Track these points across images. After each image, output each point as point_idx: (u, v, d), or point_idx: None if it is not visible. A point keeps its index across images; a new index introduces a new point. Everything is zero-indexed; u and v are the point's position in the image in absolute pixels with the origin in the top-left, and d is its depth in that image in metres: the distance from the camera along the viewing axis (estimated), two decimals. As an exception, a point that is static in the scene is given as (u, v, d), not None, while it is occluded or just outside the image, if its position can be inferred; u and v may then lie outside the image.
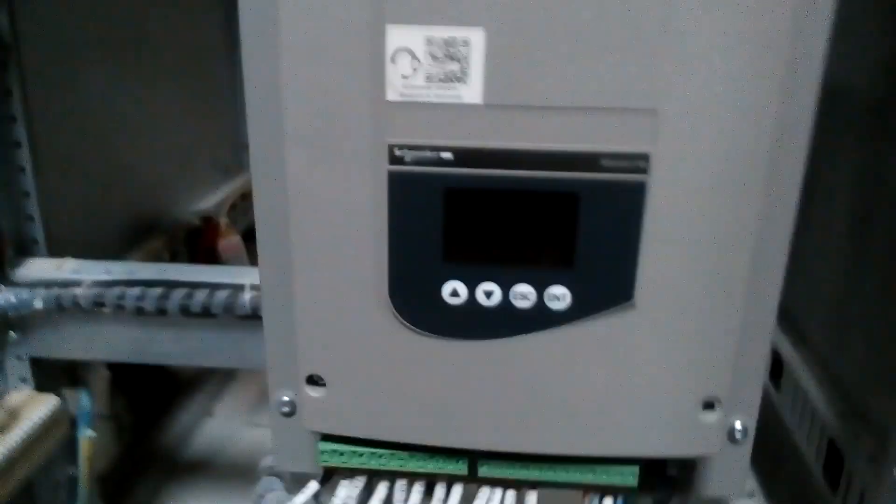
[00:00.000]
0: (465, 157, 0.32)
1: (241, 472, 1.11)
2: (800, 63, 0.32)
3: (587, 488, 0.39)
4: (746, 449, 0.41)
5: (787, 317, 0.65)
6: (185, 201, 1.14)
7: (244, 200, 1.29)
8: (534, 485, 0.40)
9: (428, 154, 0.33)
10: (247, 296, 0.67)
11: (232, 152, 1.33)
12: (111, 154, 0.94)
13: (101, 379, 0.94)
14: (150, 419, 1.19)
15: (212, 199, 1.19)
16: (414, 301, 0.35)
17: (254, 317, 0.68)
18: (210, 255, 1.10)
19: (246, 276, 0.70)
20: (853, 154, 0.58)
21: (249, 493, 1.14)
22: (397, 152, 0.33)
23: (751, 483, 0.63)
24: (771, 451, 0.63)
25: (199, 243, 1.10)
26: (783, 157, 0.34)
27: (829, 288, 0.61)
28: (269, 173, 0.36)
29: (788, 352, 0.63)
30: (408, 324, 0.35)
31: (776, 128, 0.32)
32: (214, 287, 0.68)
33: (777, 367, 0.64)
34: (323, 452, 0.39)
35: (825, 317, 0.62)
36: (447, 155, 0.32)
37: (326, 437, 0.39)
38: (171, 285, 0.68)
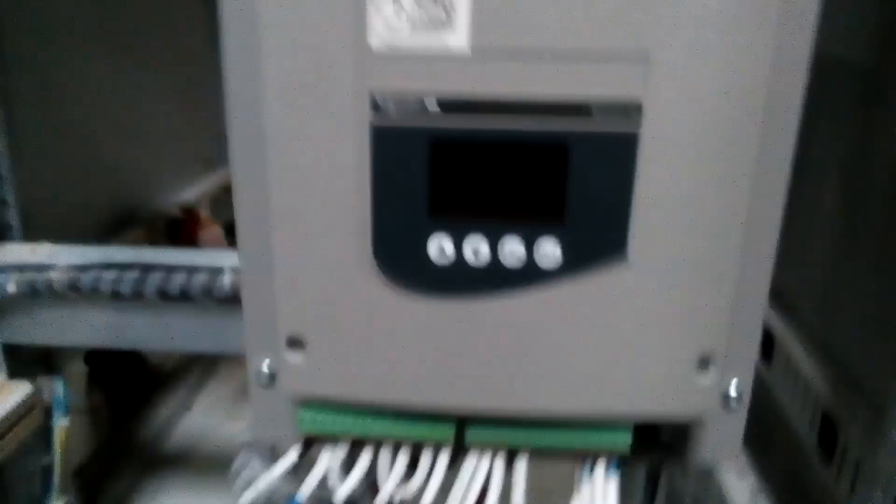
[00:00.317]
0: (451, 106, 0.31)
1: (220, 465, 1.09)
2: (793, 8, 0.31)
3: (578, 454, 0.38)
4: (741, 414, 0.40)
5: (778, 294, 0.65)
6: (166, 193, 1.12)
7: (226, 193, 1.28)
8: (523, 452, 0.39)
9: (412, 104, 0.31)
10: (226, 278, 0.66)
11: (213, 145, 1.31)
12: (91, 142, 0.92)
13: (77, 373, 0.92)
14: (128, 413, 1.17)
15: (193, 191, 1.17)
16: (399, 259, 0.34)
17: (233, 300, 0.67)
18: (191, 247, 1.09)
19: (225, 258, 0.68)
20: (843, 127, 0.58)
21: (228, 487, 1.12)
22: (381, 103, 0.32)
23: (742, 461, 0.62)
24: (762, 428, 0.62)
25: (180, 234, 1.08)
26: (778, 107, 0.33)
27: (820, 263, 0.61)
28: (245, 128, 0.34)
29: (779, 329, 0.62)
30: (392, 283, 0.34)
31: (771, 76, 0.32)
32: (192, 270, 0.67)
33: (768, 346, 0.64)
34: (303, 419, 0.38)
35: (816, 293, 0.61)
36: (432, 105, 0.31)
37: (307, 404, 0.38)
38: (147, 268, 0.67)
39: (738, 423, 0.41)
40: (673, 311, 0.34)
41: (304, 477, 0.40)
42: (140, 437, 1.15)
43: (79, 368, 0.93)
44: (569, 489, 0.39)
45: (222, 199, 1.27)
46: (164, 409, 1.20)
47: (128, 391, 1.18)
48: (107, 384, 1.12)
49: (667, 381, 0.36)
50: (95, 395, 1.09)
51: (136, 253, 0.71)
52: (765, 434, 0.62)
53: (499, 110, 0.31)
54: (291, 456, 0.38)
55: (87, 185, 0.93)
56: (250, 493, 0.38)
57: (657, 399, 0.36)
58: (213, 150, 1.31)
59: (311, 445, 0.39)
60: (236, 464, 0.43)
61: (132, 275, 0.66)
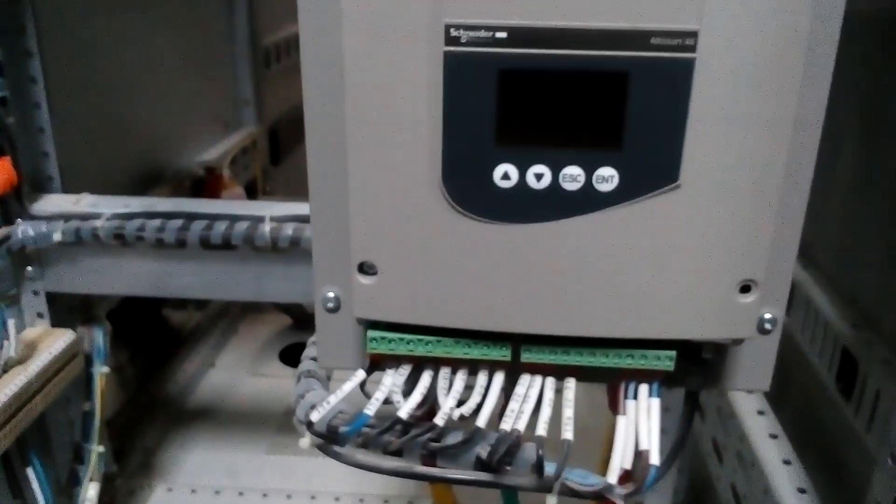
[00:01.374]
0: (519, 36, 0.33)
1: (244, 419, 1.12)
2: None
3: (624, 373, 0.41)
4: (775, 340, 0.43)
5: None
6: (188, 153, 1.14)
7: (244, 155, 1.30)
8: (572, 372, 0.41)
9: (483, 34, 0.34)
10: (266, 227, 0.68)
11: (231, 108, 1.33)
12: (118, 101, 0.94)
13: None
14: (152, 370, 1.20)
15: (213, 153, 1.19)
16: (466, 185, 0.36)
17: (273, 249, 0.69)
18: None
19: (265, 208, 0.71)
20: (860, 77, 0.60)
21: (252, 439, 1.15)
22: (453, 32, 0.34)
23: (761, 402, 0.65)
24: (781, 368, 0.65)
25: (202, 194, 1.10)
26: (819, 36, 0.35)
27: (836, 211, 0.63)
28: (318, 58, 0.36)
29: (798, 273, 0.65)
30: (459, 208, 0.36)
31: (816, 3, 0.34)
32: (235, 219, 0.69)
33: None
34: (371, 340, 0.40)
35: (833, 237, 0.64)
36: (502, 34, 0.33)
37: (374, 326, 0.40)
38: (190, 217, 0.69)
39: (771, 348, 0.43)
40: (720, 236, 0.37)
41: (366, 399, 0.42)
42: (165, 392, 1.18)
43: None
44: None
45: (241, 161, 1.29)
46: (188, 366, 1.23)
47: (150, 349, 1.21)
48: (131, 342, 1.15)
49: (711, 303, 0.38)
50: (120, 351, 1.11)
51: (177, 202, 0.74)
52: (784, 374, 0.65)
53: (564, 39, 0.33)
54: (360, 374, 0.41)
55: (117, 142, 0.94)
56: (322, 410, 0.40)
57: (701, 321, 0.38)
58: (230, 114, 1.33)
59: (374, 368, 0.42)
60: (297, 389, 0.46)
61: (176, 223, 0.68)
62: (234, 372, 1.23)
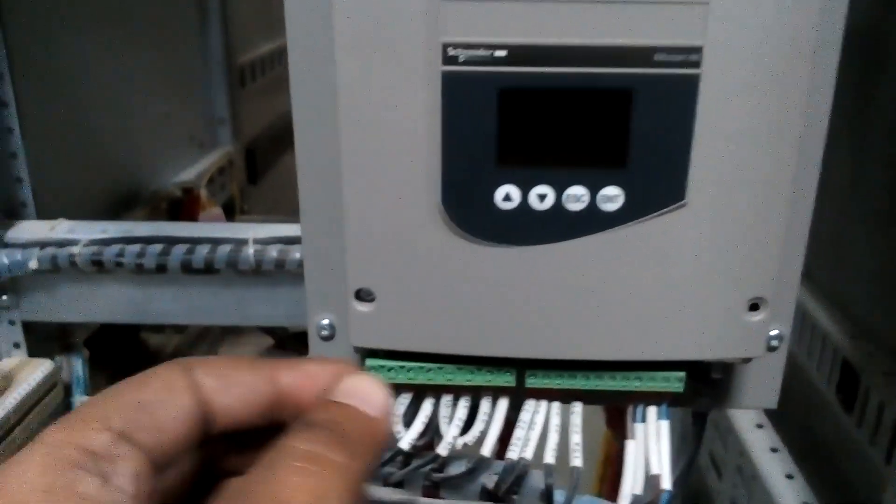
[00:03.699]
0: (518, 55, 0.32)
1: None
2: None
3: (632, 396, 0.40)
4: (781, 357, 0.42)
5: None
6: (164, 174, 1.12)
7: (221, 174, 1.28)
8: (579, 396, 0.40)
9: (482, 53, 0.32)
10: (250, 250, 0.67)
11: (206, 127, 1.31)
12: (92, 123, 0.92)
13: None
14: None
15: (190, 173, 1.17)
16: (466, 207, 0.35)
17: (257, 272, 0.68)
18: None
19: (248, 231, 0.69)
20: (846, 89, 0.60)
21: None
22: (451, 52, 0.32)
23: (759, 416, 0.64)
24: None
25: (180, 215, 1.08)
26: (823, 51, 0.34)
27: (828, 218, 0.63)
28: (310, 81, 0.35)
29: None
30: (460, 230, 0.35)
31: (819, 18, 0.33)
32: (217, 242, 0.67)
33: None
34: (370, 369, 0.39)
35: (826, 247, 0.63)
36: (501, 53, 0.32)
37: (372, 354, 0.39)
38: (171, 241, 0.67)
39: (778, 365, 0.42)
40: (728, 254, 0.36)
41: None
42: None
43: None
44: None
45: (218, 181, 1.27)
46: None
47: (128, 373, 1.18)
48: (109, 368, 1.12)
49: (720, 323, 0.37)
50: (98, 376, 1.09)
51: (156, 226, 0.72)
52: (781, 387, 0.64)
53: (565, 57, 0.32)
54: (357, 405, 0.39)
55: (91, 166, 0.92)
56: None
57: (710, 341, 0.37)
58: (205, 133, 1.31)
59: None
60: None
61: (156, 248, 0.66)
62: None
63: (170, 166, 1.14)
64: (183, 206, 1.09)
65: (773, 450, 0.61)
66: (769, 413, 0.65)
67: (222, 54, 1.27)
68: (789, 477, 0.59)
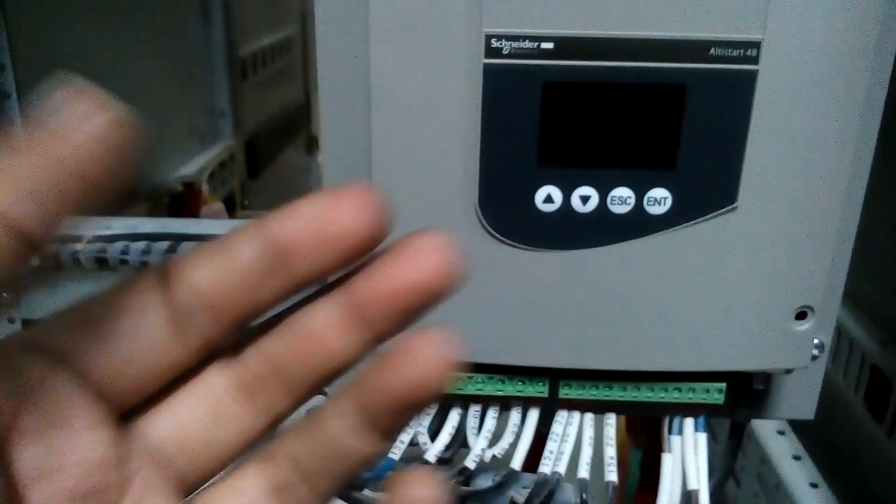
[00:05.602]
0: (566, 47, 0.30)
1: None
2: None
3: (668, 407, 0.38)
4: (821, 366, 0.40)
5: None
6: (165, 169, 1.10)
7: (222, 168, 1.26)
8: (613, 406, 0.38)
9: (527, 45, 0.30)
10: (259, 247, 0.64)
11: (207, 121, 1.29)
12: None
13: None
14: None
15: (191, 167, 1.15)
16: (505, 209, 0.33)
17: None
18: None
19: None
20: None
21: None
22: (494, 43, 0.31)
23: (781, 422, 0.63)
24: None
25: (181, 211, 1.06)
26: (880, 52, 0.33)
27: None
28: (340, 70, 0.33)
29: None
30: (497, 234, 0.33)
31: (881, 18, 0.31)
32: (224, 239, 0.65)
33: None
34: (397, 379, 0.37)
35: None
36: (547, 45, 0.30)
37: (400, 363, 0.37)
38: (177, 238, 0.65)
39: (817, 375, 0.41)
40: (778, 261, 0.34)
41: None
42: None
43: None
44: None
45: (219, 175, 1.24)
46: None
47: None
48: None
49: (766, 332, 0.35)
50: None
51: (162, 223, 0.69)
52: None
53: (615, 50, 0.30)
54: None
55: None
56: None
57: (755, 350, 0.36)
58: (206, 126, 1.29)
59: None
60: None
61: (162, 245, 0.64)
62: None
63: (171, 160, 1.12)
64: (184, 201, 1.06)
65: (796, 458, 0.60)
66: (790, 419, 0.64)
67: (224, 46, 1.25)
68: (814, 486, 0.57)
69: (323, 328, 0.19)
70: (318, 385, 0.20)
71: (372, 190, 0.19)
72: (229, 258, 0.18)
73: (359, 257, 0.19)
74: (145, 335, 0.18)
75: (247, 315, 0.19)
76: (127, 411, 0.19)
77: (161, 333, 0.19)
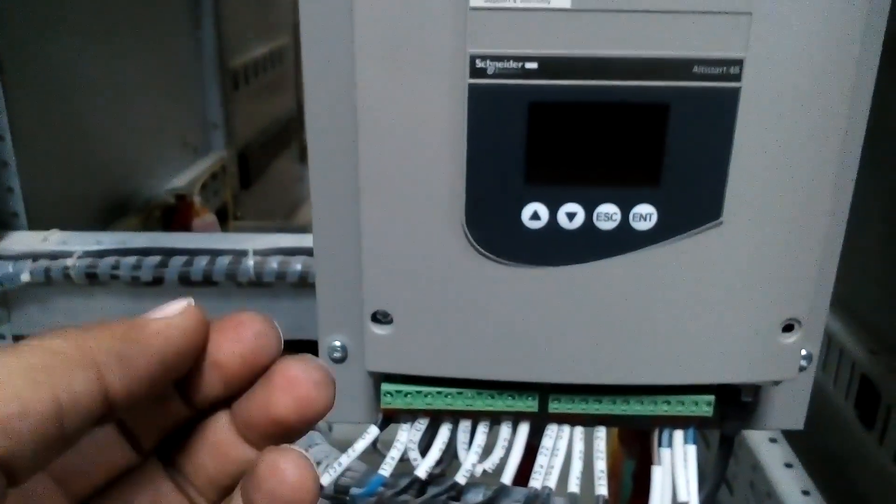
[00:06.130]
0: (550, 67, 0.31)
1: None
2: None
3: (658, 420, 0.38)
4: (809, 377, 0.40)
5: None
6: (157, 181, 1.10)
7: (214, 180, 1.26)
8: (602, 420, 0.38)
9: (512, 65, 0.31)
10: (250, 261, 0.65)
11: (199, 132, 1.29)
12: (84, 130, 0.90)
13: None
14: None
15: (183, 179, 1.15)
16: (491, 226, 0.33)
17: (256, 284, 0.66)
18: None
19: (247, 241, 0.67)
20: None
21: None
22: (479, 63, 0.31)
23: (774, 431, 0.63)
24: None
25: (173, 223, 1.06)
26: (862, 66, 0.33)
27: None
28: (326, 89, 0.33)
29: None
30: (484, 251, 0.33)
31: (862, 35, 0.31)
32: (216, 254, 0.65)
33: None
34: (386, 394, 0.37)
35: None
36: (532, 65, 0.31)
37: (388, 379, 0.37)
38: (168, 253, 0.65)
39: (806, 386, 0.41)
40: (764, 274, 0.34)
41: (378, 456, 0.39)
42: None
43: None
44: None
45: (211, 186, 1.25)
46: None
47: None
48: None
49: (753, 344, 0.35)
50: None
51: (152, 237, 0.69)
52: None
53: (600, 69, 0.31)
54: (373, 431, 0.38)
55: (84, 174, 0.90)
56: (332, 473, 0.37)
57: (743, 363, 0.36)
58: (198, 137, 1.29)
59: (388, 422, 0.38)
60: (299, 442, 0.42)
61: (153, 260, 0.64)
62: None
63: (163, 172, 1.12)
64: (177, 214, 1.06)
65: (788, 465, 0.60)
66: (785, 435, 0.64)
67: (215, 57, 1.25)
68: (805, 493, 0.57)
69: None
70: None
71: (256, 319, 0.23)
72: None
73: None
74: None
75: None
76: None
77: None
